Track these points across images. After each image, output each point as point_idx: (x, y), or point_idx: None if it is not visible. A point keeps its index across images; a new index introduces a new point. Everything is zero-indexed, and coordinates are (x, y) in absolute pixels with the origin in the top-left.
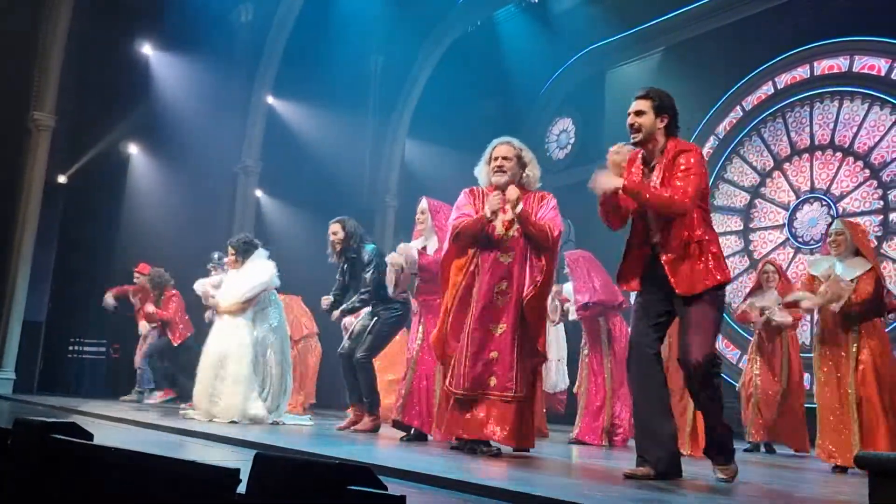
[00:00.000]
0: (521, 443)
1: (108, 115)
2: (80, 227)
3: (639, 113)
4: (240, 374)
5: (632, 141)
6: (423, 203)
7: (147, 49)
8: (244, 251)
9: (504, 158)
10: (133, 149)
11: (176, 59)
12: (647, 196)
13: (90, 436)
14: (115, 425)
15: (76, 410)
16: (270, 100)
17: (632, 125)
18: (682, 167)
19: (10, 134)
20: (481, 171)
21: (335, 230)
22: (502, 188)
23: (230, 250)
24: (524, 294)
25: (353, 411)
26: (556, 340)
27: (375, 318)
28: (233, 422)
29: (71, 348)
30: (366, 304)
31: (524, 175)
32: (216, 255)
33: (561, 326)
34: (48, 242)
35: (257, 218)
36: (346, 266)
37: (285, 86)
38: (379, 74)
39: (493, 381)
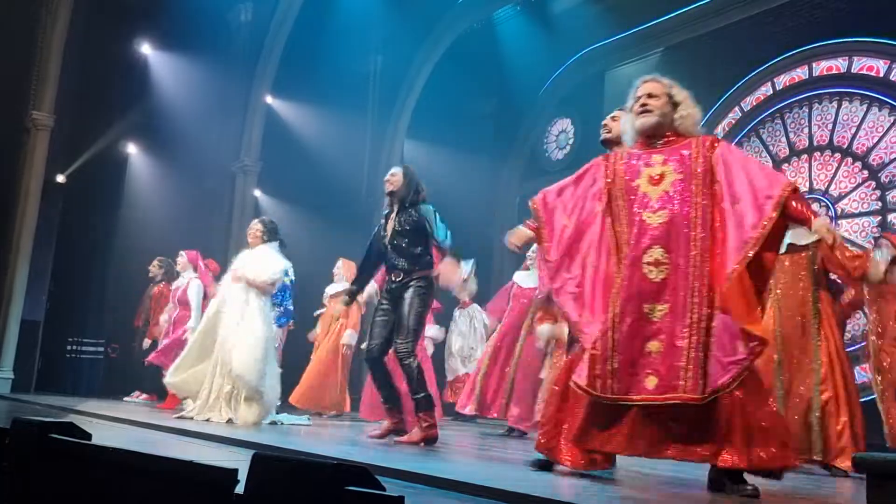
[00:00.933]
0: None
1: (107, 115)
2: (79, 227)
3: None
4: (256, 335)
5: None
6: None
7: (146, 48)
8: (271, 231)
9: (650, 96)
10: (132, 148)
11: (175, 58)
12: None
13: (88, 435)
14: (113, 425)
15: (74, 410)
16: (269, 99)
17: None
18: None
19: (8, 133)
20: (625, 123)
21: (394, 172)
22: (649, 131)
23: (259, 226)
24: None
25: (388, 418)
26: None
27: (402, 299)
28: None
29: (69, 348)
30: (429, 269)
31: (677, 117)
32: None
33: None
34: (46, 242)
35: (256, 217)
36: (394, 222)
37: (284, 85)
38: (378, 74)
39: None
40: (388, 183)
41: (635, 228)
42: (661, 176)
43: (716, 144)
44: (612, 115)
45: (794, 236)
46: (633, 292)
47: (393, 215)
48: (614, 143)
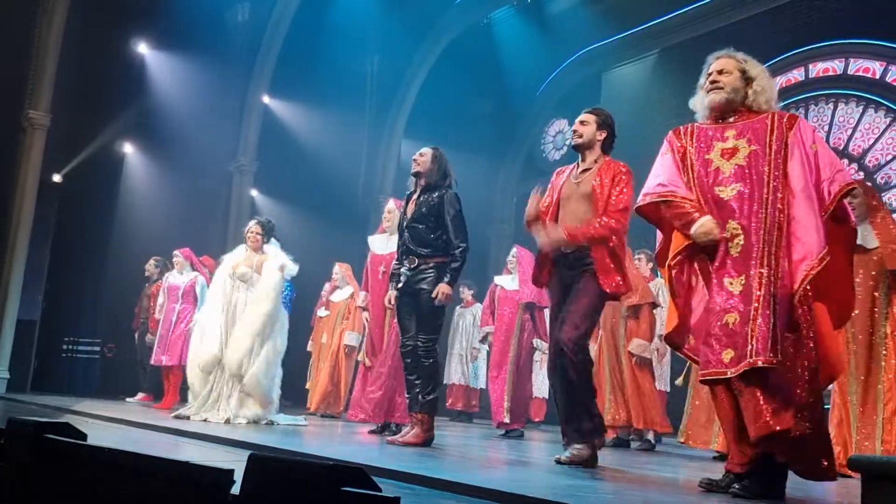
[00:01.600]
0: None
1: (103, 114)
2: (75, 226)
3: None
4: (278, 349)
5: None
6: (391, 203)
7: (142, 48)
8: (269, 231)
9: (721, 73)
10: (128, 148)
11: (171, 58)
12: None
13: (84, 436)
14: (109, 425)
15: (70, 410)
16: (266, 99)
17: (575, 131)
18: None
19: (4, 132)
20: (696, 101)
21: (423, 152)
22: (720, 107)
23: (256, 228)
24: None
25: (412, 419)
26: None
27: (426, 293)
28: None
29: (65, 347)
30: (461, 263)
31: (750, 92)
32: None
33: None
34: (42, 241)
35: (252, 217)
36: (414, 204)
37: (281, 85)
38: (375, 74)
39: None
40: (416, 163)
41: (709, 204)
42: (735, 150)
43: (793, 122)
44: (580, 119)
45: (862, 239)
46: (715, 267)
47: (415, 196)
48: (585, 147)
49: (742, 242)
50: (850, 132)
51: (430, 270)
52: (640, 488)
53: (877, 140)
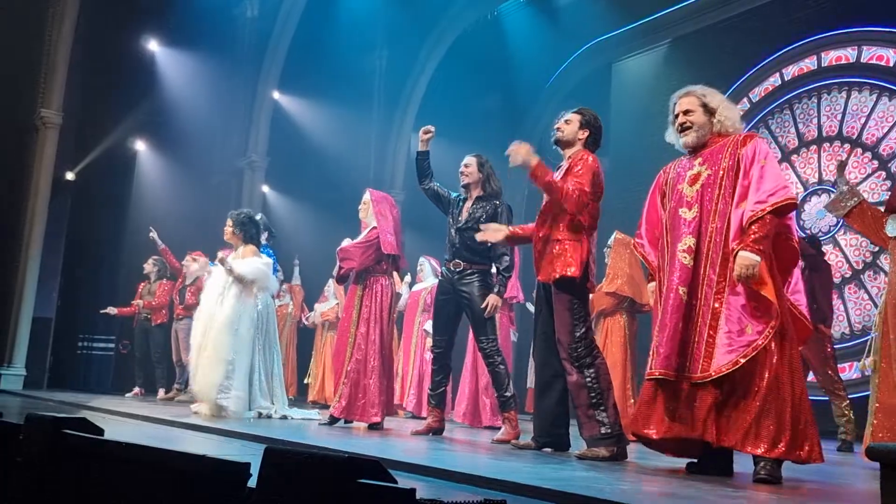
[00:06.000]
0: None
1: (115, 112)
2: (88, 224)
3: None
4: (220, 347)
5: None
6: (366, 195)
7: (153, 45)
8: (240, 224)
9: (686, 113)
10: (140, 145)
11: (181, 55)
12: (548, 181)
13: (101, 431)
14: (125, 420)
15: (86, 406)
16: (276, 95)
17: (557, 128)
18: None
19: (17, 131)
20: (670, 135)
21: (468, 163)
22: (692, 146)
23: (228, 222)
24: None
25: (431, 415)
26: None
27: (467, 296)
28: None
29: (80, 344)
30: (510, 271)
31: (715, 122)
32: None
33: None
34: (56, 239)
35: (263, 213)
36: (468, 210)
37: (291, 81)
38: (384, 69)
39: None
40: (463, 175)
41: (677, 224)
42: (697, 175)
43: (748, 140)
44: (564, 118)
45: (892, 229)
46: (673, 278)
47: (469, 204)
48: (566, 144)
49: (694, 256)
50: (863, 120)
51: (476, 276)
52: (664, 479)
53: (891, 128)
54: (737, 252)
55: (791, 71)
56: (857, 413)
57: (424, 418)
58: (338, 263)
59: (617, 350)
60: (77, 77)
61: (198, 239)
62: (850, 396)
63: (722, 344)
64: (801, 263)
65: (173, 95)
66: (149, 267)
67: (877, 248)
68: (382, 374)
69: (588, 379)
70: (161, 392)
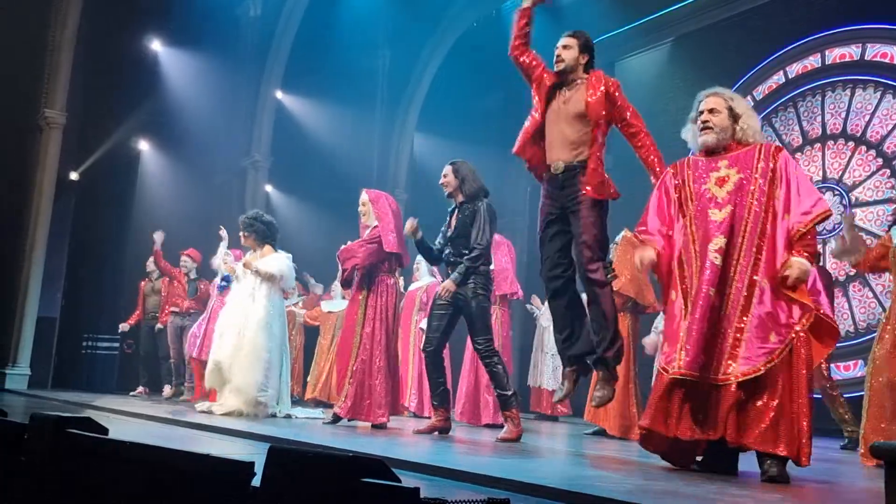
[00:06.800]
0: None
1: (118, 112)
2: (92, 223)
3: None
4: (258, 347)
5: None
6: (364, 195)
7: (156, 45)
8: (249, 226)
9: (711, 111)
10: (143, 145)
11: (185, 54)
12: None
13: (105, 430)
14: (130, 420)
15: (90, 405)
16: (279, 95)
17: (557, 56)
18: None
19: (21, 132)
20: (688, 132)
21: (445, 172)
22: (711, 147)
23: (240, 227)
24: None
25: (436, 414)
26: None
27: (462, 297)
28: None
29: (84, 344)
30: (474, 269)
31: (738, 129)
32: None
33: None
34: (60, 239)
35: (267, 213)
36: (455, 219)
37: (293, 81)
38: (387, 68)
39: None
40: (443, 185)
41: (705, 224)
42: (726, 178)
43: (779, 153)
44: (562, 43)
45: None
46: (703, 278)
47: (456, 213)
48: (569, 72)
49: (726, 256)
50: (867, 118)
51: (473, 278)
52: (668, 477)
53: (895, 126)
54: (791, 259)
55: (795, 69)
56: (855, 412)
57: (427, 417)
58: (340, 266)
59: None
60: (80, 77)
61: (201, 238)
62: (850, 396)
63: (747, 349)
64: None
65: (176, 95)
66: (151, 265)
67: None
68: (388, 375)
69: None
70: (167, 389)
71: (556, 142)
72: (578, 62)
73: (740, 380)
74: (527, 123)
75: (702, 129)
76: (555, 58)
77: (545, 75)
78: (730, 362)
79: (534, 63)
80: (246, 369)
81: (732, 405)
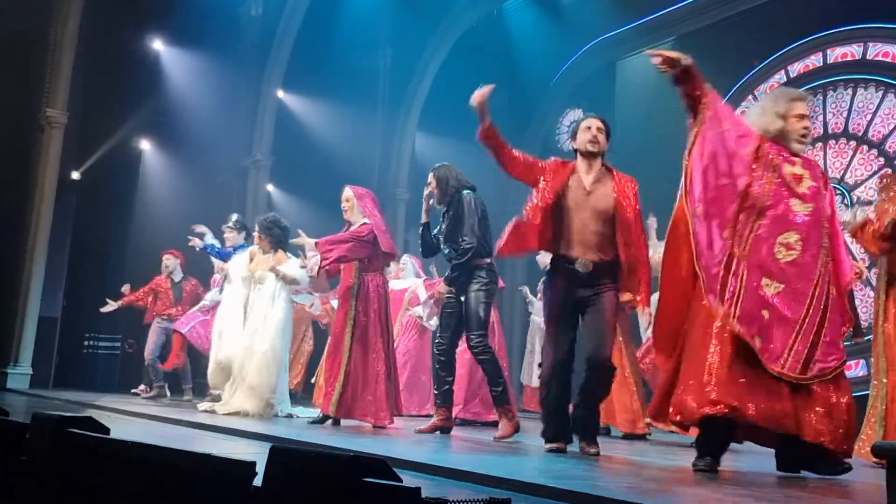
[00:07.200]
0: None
1: (120, 111)
2: (94, 223)
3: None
4: (276, 349)
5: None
6: (347, 192)
7: (157, 44)
8: (266, 229)
9: (806, 118)
10: (145, 144)
11: (186, 54)
12: None
13: (107, 430)
14: (131, 419)
15: (92, 405)
16: (280, 94)
17: (596, 139)
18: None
19: (22, 131)
20: (770, 123)
21: (429, 181)
22: (799, 151)
23: (256, 230)
24: None
25: (437, 413)
26: None
27: (464, 293)
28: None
29: (86, 344)
30: (468, 265)
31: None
32: (234, 217)
33: None
34: (62, 238)
35: (266, 212)
36: (447, 218)
37: (295, 80)
38: (388, 68)
39: None
40: (432, 194)
41: (780, 208)
42: (802, 177)
43: (827, 177)
44: (599, 126)
45: None
46: (755, 264)
47: (446, 213)
48: (600, 155)
49: (795, 255)
50: (869, 117)
51: (474, 271)
52: (669, 477)
53: None
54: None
55: (796, 68)
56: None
57: (427, 416)
58: (319, 257)
59: (615, 353)
60: (82, 77)
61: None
62: (853, 395)
63: (824, 347)
64: None
65: (178, 95)
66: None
67: None
68: (388, 376)
69: None
70: (143, 387)
71: (577, 234)
72: (605, 148)
73: (819, 375)
74: (522, 225)
75: (803, 136)
76: (590, 137)
77: (547, 166)
78: (809, 359)
79: (529, 167)
80: (262, 371)
81: (808, 401)
